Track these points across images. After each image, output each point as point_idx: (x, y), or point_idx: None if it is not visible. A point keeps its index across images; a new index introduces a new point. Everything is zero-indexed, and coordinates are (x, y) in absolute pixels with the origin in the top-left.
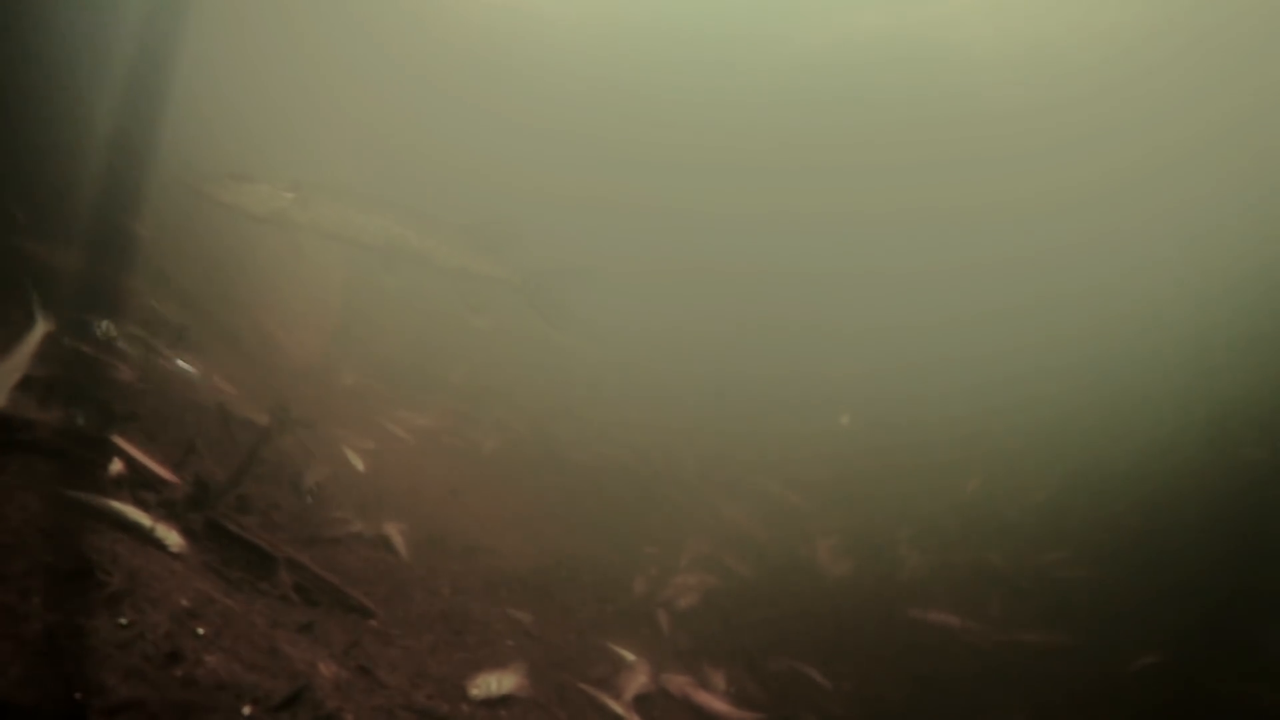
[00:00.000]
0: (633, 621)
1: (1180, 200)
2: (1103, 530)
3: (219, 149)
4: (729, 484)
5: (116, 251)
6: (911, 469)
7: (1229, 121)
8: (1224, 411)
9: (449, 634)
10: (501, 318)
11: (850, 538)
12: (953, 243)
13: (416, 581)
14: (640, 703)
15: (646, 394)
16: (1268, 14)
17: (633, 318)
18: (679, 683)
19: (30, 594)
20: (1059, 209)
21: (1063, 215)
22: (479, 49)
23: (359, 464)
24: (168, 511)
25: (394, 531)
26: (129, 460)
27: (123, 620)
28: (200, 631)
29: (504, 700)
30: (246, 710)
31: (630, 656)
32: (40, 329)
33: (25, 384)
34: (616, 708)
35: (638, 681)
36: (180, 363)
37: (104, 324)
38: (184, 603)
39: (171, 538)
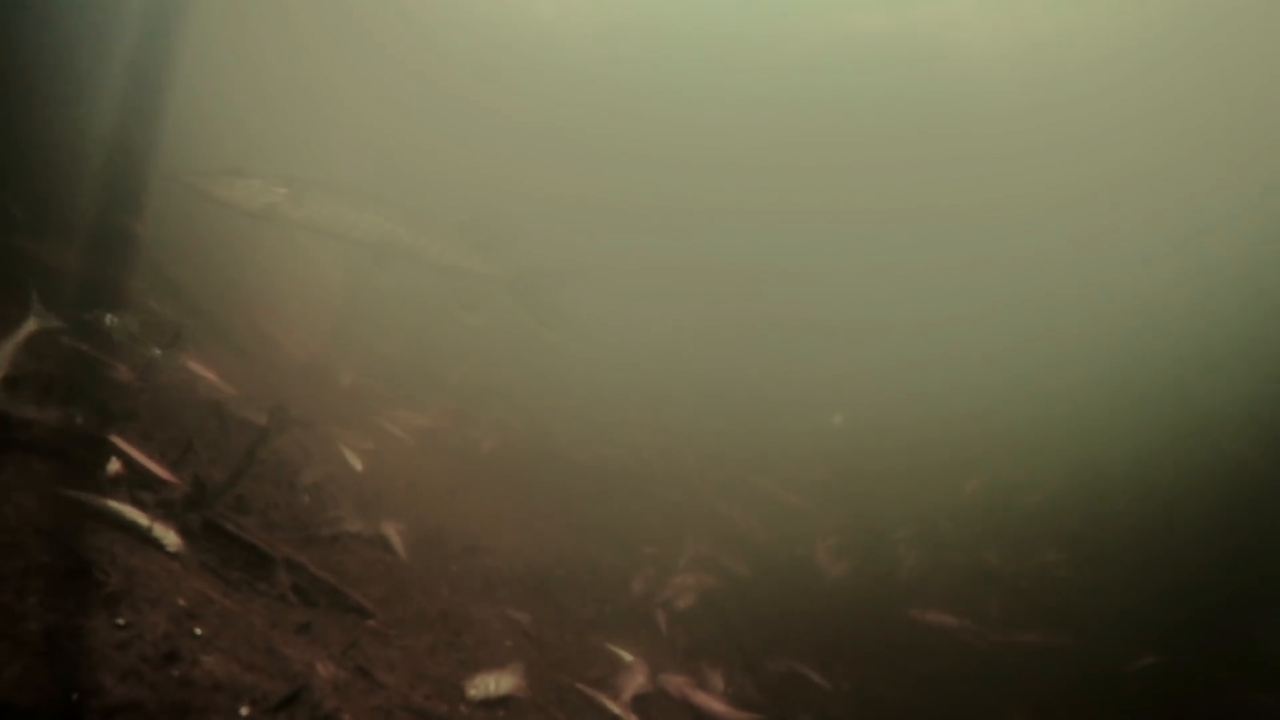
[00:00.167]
0: (631, 622)
1: (1178, 199)
2: (1101, 530)
3: (218, 146)
4: (728, 484)
5: (115, 250)
6: (910, 469)
7: (1228, 119)
8: (1222, 411)
9: (447, 634)
10: (493, 315)
11: (849, 538)
12: (951, 241)
13: (415, 582)
14: (638, 703)
15: (645, 394)
16: (1267, 12)
17: (632, 317)
18: (677, 683)
19: (27, 594)
20: (1057, 207)
21: (1061, 214)
22: (476, 46)
23: (357, 464)
24: (166, 511)
25: (392, 531)
26: (127, 460)
27: (120, 620)
28: (198, 632)
29: (502, 701)
30: (244, 711)
31: (628, 657)
32: (29, 327)
33: (24, 383)
34: (615, 708)
35: (636, 682)
36: (158, 351)
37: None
38: (182, 603)
39: (169, 538)
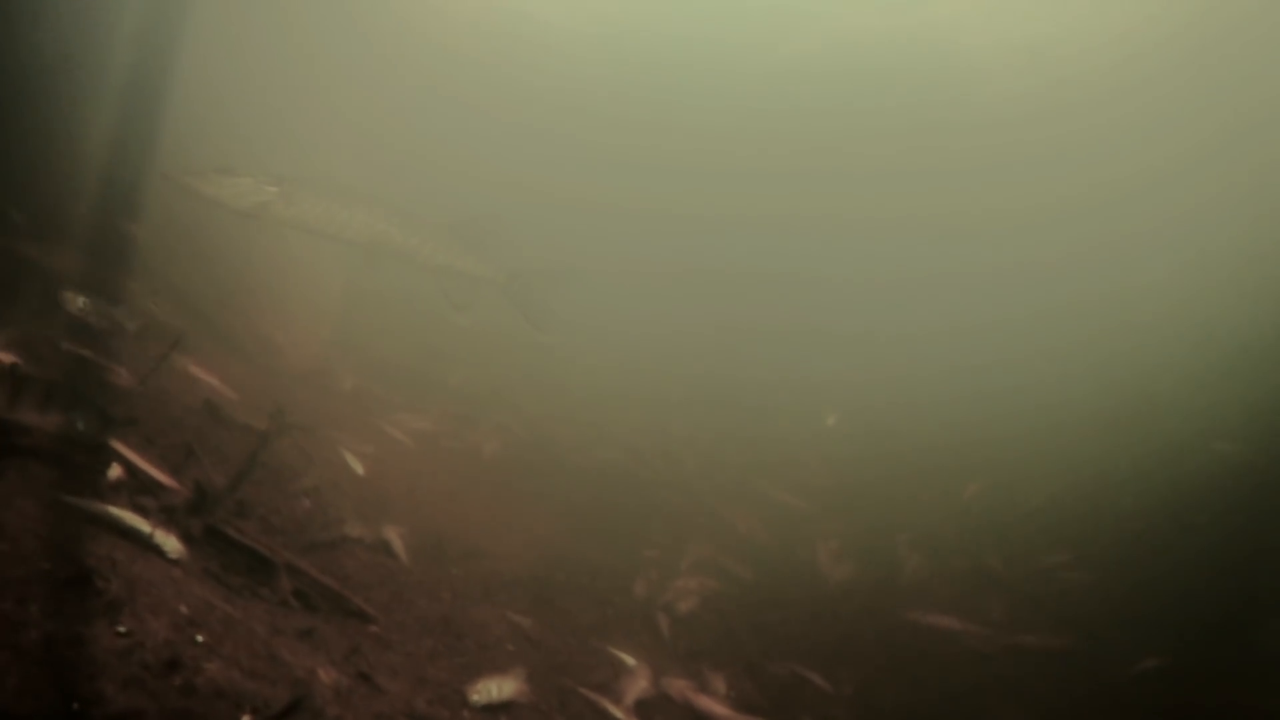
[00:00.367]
0: (633, 625)
1: (1180, 209)
2: (1103, 534)
3: (214, 148)
4: (729, 487)
5: (113, 253)
6: (912, 473)
7: (1231, 129)
8: (1224, 417)
9: (449, 639)
10: (493, 318)
11: (851, 541)
12: (952, 249)
13: (416, 586)
14: (641, 707)
15: (645, 397)
16: (1271, 21)
17: (631, 320)
18: (679, 687)
19: (28, 601)
20: (1058, 217)
21: (1062, 223)
22: (470, 49)
23: (358, 468)
24: (167, 517)
25: (394, 536)
26: (128, 465)
27: (121, 628)
28: (199, 639)
29: (505, 706)
30: (246, 718)
31: (630, 661)
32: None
33: (24, 388)
34: (617, 712)
35: (638, 686)
36: (122, 318)
37: (74, 298)
38: (183, 609)
39: (170, 544)
